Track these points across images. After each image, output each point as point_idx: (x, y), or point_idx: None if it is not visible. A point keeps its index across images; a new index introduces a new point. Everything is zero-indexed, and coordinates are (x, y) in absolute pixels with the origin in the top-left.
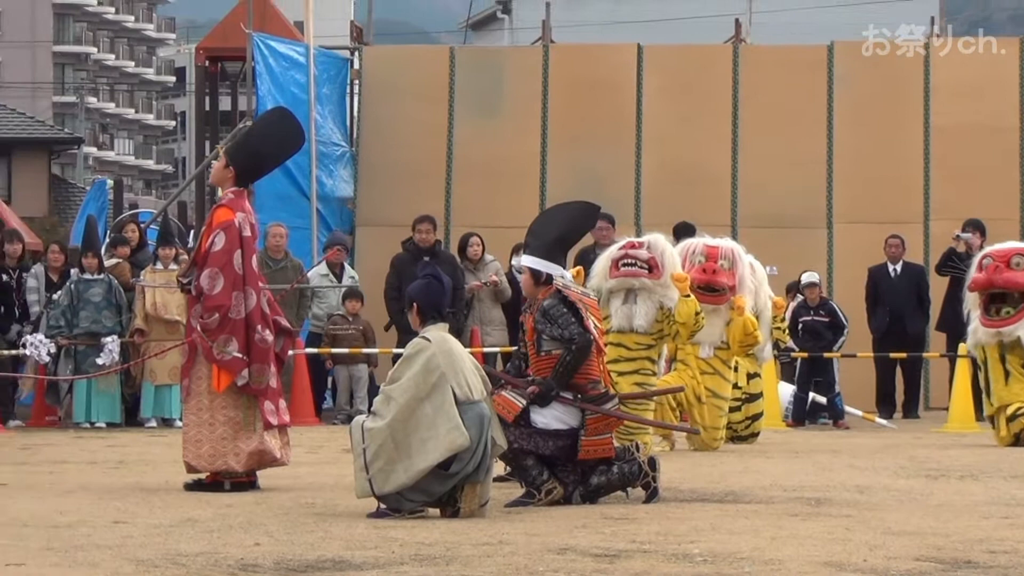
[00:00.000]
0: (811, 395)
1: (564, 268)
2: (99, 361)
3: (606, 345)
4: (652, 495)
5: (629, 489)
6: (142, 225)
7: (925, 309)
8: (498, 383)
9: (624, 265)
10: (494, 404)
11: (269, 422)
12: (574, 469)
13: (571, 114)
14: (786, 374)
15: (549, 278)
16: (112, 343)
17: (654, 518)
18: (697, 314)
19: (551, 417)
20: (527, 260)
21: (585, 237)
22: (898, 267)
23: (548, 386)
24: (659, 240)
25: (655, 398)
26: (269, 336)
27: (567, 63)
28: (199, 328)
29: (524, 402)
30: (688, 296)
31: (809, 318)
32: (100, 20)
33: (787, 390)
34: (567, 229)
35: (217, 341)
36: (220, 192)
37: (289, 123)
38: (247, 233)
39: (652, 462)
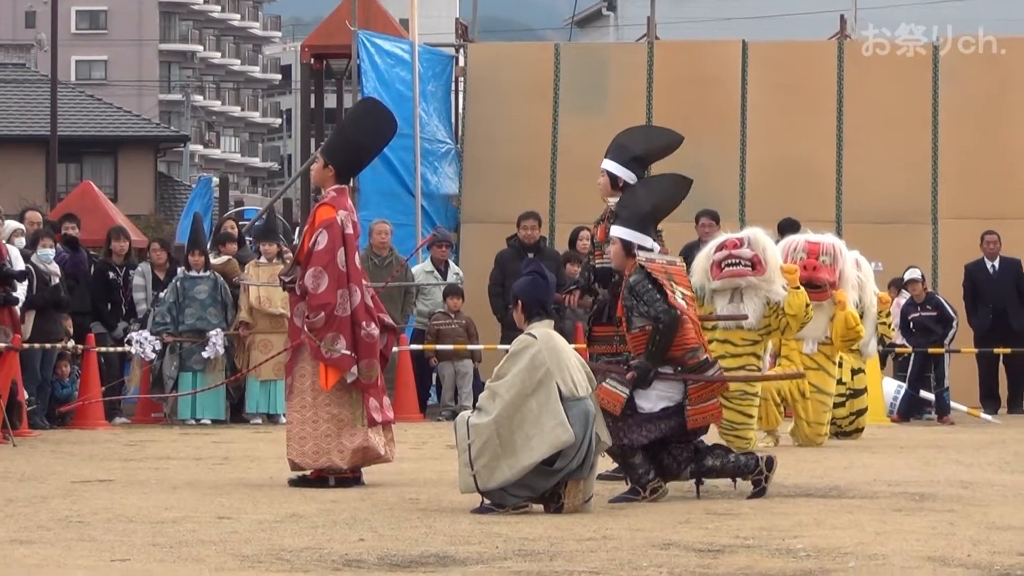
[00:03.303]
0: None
1: (655, 240)
2: (204, 354)
3: (711, 342)
4: (759, 493)
5: (738, 480)
6: (244, 223)
7: None
8: (598, 374)
9: (728, 265)
10: (598, 398)
11: (373, 419)
12: (687, 446)
13: (675, 111)
14: (899, 370)
15: (639, 248)
16: (216, 336)
17: (758, 513)
18: (807, 305)
19: (655, 398)
20: (618, 231)
21: (692, 234)
22: (996, 263)
23: (644, 368)
24: (758, 235)
25: (760, 393)
26: (375, 331)
27: (671, 60)
28: (305, 328)
29: (627, 390)
30: (798, 288)
31: (917, 314)
32: (206, 18)
33: (891, 385)
34: (660, 201)
35: (325, 340)
36: (323, 191)
37: (378, 112)
38: (349, 231)
39: (770, 462)
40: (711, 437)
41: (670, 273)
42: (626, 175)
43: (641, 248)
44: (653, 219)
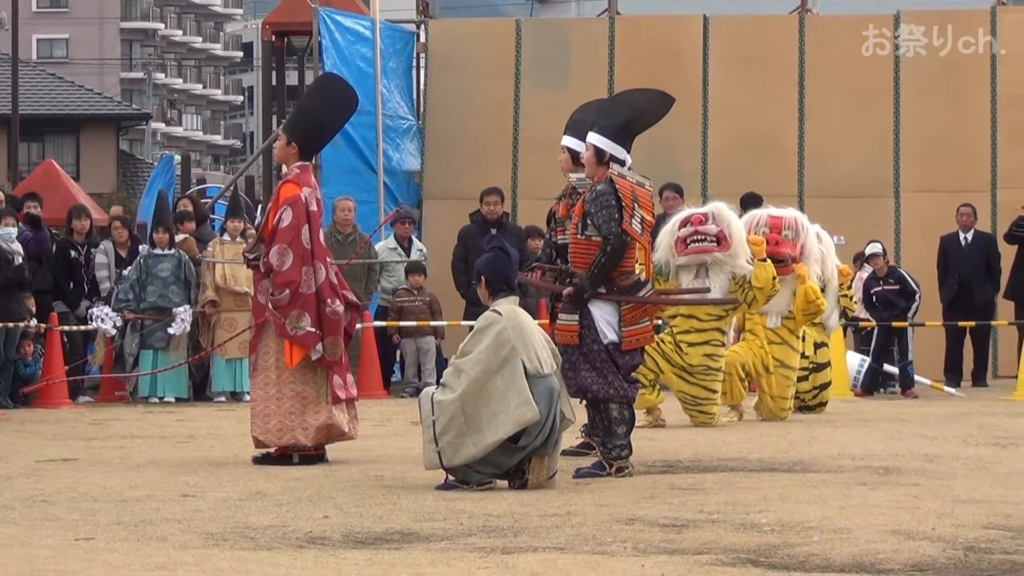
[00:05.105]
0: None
1: (628, 153)
2: (170, 330)
3: (675, 317)
4: (596, 468)
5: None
6: (207, 200)
7: (994, 278)
8: (529, 290)
9: (693, 242)
10: (557, 335)
11: (337, 396)
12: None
13: (637, 85)
14: (861, 344)
15: (611, 159)
16: (184, 312)
17: (722, 488)
18: (774, 278)
19: (608, 327)
20: (592, 138)
21: (656, 206)
22: (969, 236)
23: (581, 288)
24: (722, 209)
25: (724, 368)
26: (340, 307)
27: (633, 34)
28: (270, 305)
29: (576, 317)
30: (765, 260)
31: (880, 288)
32: None
33: (854, 359)
34: (638, 115)
35: (289, 317)
36: (284, 168)
37: (338, 87)
38: (313, 208)
39: (621, 469)
40: (675, 413)
41: (636, 195)
42: (611, 148)
43: (614, 159)
44: (629, 131)
